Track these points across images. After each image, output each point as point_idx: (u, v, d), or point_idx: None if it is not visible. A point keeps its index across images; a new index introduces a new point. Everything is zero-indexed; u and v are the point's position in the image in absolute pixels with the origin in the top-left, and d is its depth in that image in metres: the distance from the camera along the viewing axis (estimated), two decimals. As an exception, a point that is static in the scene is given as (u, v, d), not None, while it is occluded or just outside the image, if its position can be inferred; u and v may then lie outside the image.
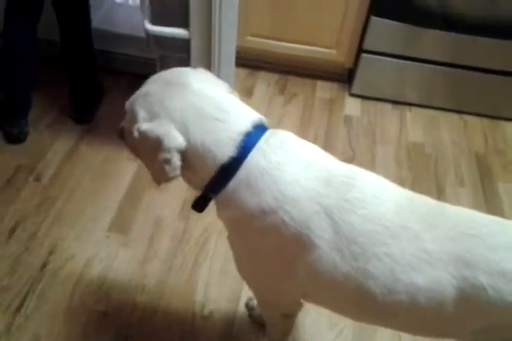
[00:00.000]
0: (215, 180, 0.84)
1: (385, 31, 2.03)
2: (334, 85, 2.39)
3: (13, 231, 1.63)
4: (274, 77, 2.38)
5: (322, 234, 0.81)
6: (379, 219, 0.80)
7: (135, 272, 1.56)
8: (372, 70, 2.21)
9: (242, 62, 2.38)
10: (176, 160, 0.81)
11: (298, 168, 0.83)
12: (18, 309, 1.43)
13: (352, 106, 2.30)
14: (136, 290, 1.51)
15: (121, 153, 1.91)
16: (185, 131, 0.82)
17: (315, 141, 2.05)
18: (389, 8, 1.97)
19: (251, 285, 1.04)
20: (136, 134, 0.83)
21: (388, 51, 2.11)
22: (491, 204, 1.89)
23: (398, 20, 1.99)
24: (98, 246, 1.61)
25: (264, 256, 0.90)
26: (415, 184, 1.94)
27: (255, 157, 0.82)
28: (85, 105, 2.03)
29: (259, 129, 0.86)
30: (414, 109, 2.31)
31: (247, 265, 0.97)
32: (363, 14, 2.03)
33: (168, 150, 0.80)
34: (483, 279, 0.74)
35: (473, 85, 2.18)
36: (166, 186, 1.82)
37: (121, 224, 1.68)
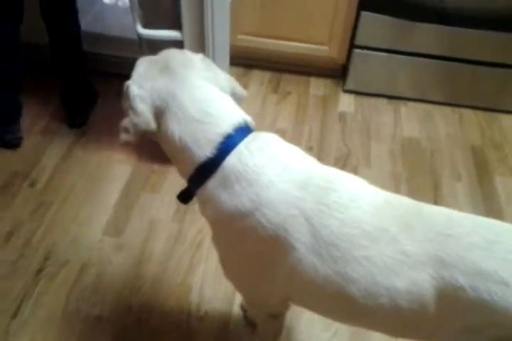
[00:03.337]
0: (195, 176, 0.86)
1: (376, 26, 2.01)
2: (328, 82, 2.37)
3: (8, 237, 1.64)
4: (267, 76, 2.37)
5: (300, 237, 0.80)
6: (356, 223, 0.80)
7: (130, 274, 1.56)
8: (365, 66, 2.20)
9: (235, 61, 2.36)
10: (143, 110, 0.84)
11: (275, 170, 0.83)
12: (14, 315, 1.44)
13: (346, 103, 2.29)
14: (131, 293, 1.51)
15: (116, 156, 1.92)
16: (158, 118, 0.85)
17: (309, 139, 2.10)
18: (378, 2, 1.95)
19: (235, 285, 1.04)
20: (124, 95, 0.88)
21: (380, 46, 2.10)
22: (488, 198, 1.88)
23: (388, 15, 1.97)
24: (92, 250, 1.62)
25: (243, 257, 0.90)
26: (411, 179, 1.93)
27: (232, 160, 0.83)
28: (77, 109, 2.03)
29: (242, 132, 0.86)
30: (409, 104, 2.30)
31: (229, 265, 0.97)
32: (353, 9, 2.02)
33: (133, 98, 0.85)
34: (462, 279, 0.74)
35: (467, 78, 2.16)
36: (159, 188, 1.86)
37: (115, 227, 1.69)
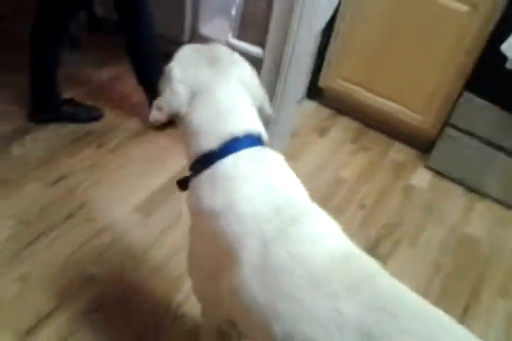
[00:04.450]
0: (195, 164, 0.90)
1: (477, 110, 1.93)
2: (411, 151, 2.31)
3: (57, 181, 1.80)
4: (353, 125, 2.38)
5: (249, 256, 0.80)
6: (305, 263, 0.77)
7: (137, 253, 1.63)
8: (454, 147, 2.11)
9: (328, 102, 2.43)
10: (181, 92, 0.89)
11: (259, 187, 0.83)
12: (28, 245, 1.58)
13: (421, 177, 2.21)
14: (130, 269, 1.58)
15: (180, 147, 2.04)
16: (191, 100, 0.90)
17: (365, 197, 2.05)
18: (486, 87, 1.88)
19: (191, 283, 1.04)
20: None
21: (476, 132, 2.01)
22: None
23: (493, 103, 1.88)
24: (118, 220, 1.72)
25: (201, 252, 0.92)
26: (450, 277, 1.78)
27: (229, 161, 0.85)
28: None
29: (250, 140, 0.88)
30: (487, 202, 2.14)
31: (190, 257, 0.99)
32: (458, 87, 1.96)
33: (174, 80, 0.90)
34: None
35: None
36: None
37: (147, 208, 1.78)
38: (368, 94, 2.21)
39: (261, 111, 0.97)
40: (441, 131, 2.11)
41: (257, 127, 0.91)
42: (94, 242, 1.63)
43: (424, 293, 1.71)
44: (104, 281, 1.53)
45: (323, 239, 0.81)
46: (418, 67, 2.03)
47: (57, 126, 2.02)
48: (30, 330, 1.39)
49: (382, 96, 2.18)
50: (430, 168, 2.23)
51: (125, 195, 1.81)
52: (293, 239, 0.79)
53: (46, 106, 1.99)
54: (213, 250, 0.87)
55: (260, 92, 0.98)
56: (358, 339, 0.70)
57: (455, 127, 2.04)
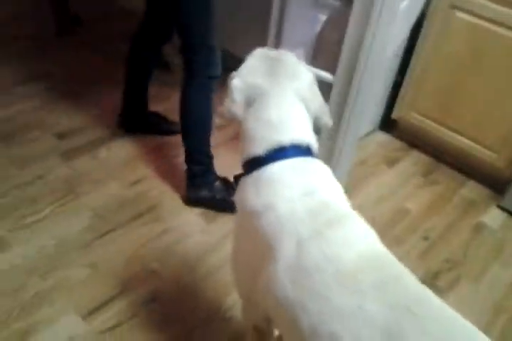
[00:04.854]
0: (244, 166, 0.97)
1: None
2: (485, 190, 2.23)
3: (135, 183, 1.98)
4: (424, 159, 2.35)
5: (285, 254, 0.84)
6: (336, 262, 0.80)
7: (197, 255, 1.72)
8: (531, 189, 2.02)
9: (400, 134, 2.43)
10: (238, 100, 0.97)
11: (299, 192, 0.88)
12: (100, 236, 1.74)
13: (493, 217, 2.11)
14: (188, 269, 1.67)
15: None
16: (247, 107, 0.97)
17: (430, 230, 2.01)
18: None
19: (233, 275, 1.08)
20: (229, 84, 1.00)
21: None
22: None
23: None
24: (186, 221, 1.85)
25: (243, 248, 0.98)
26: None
27: (275, 168, 0.90)
28: None
29: (297, 150, 0.92)
30: None
31: (233, 251, 1.04)
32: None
33: (233, 89, 0.97)
34: None
35: None
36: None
37: (211, 214, 1.88)
38: (442, 129, 2.19)
39: (318, 120, 1.01)
40: (517, 171, 2.04)
41: (306, 138, 0.95)
42: (159, 241, 1.75)
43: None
44: (164, 277, 1.63)
45: (356, 242, 0.84)
46: (495, 105, 1.99)
47: (142, 135, 2.22)
48: (92, 312, 1.50)
49: (457, 132, 2.15)
50: (503, 209, 2.13)
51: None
52: (327, 240, 0.82)
53: (135, 117, 2.20)
54: (254, 247, 0.91)
55: (318, 101, 1.01)
56: (378, 336, 0.72)
57: (532, 167, 1.96)
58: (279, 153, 0.91)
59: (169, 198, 1.93)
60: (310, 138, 0.96)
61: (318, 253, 0.81)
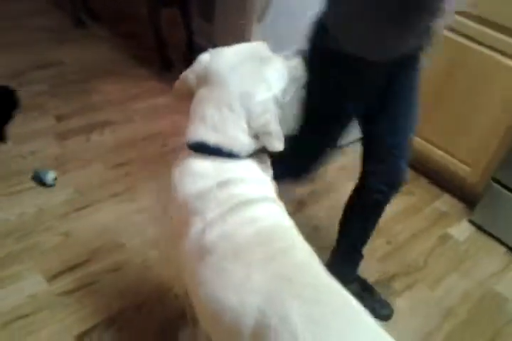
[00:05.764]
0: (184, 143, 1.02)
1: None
2: (459, 204, 2.27)
3: (117, 166, 2.10)
4: (402, 170, 2.41)
5: (194, 230, 0.91)
6: (232, 239, 0.88)
7: (167, 236, 1.80)
8: (501, 205, 2.05)
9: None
10: (190, 74, 1.02)
11: (213, 182, 0.94)
12: (77, 210, 1.87)
13: (461, 229, 2.16)
14: (155, 248, 1.77)
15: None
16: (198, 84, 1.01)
17: (395, 236, 2.09)
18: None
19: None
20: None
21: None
22: None
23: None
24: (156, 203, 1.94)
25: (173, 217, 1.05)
26: (463, 325, 1.71)
27: (196, 158, 0.97)
28: None
29: (221, 151, 0.95)
30: (530, 267, 2.03)
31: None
32: (507, 142, 1.94)
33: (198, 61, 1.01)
34: (273, 322, 0.76)
35: None
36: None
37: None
38: (420, 141, 2.24)
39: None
40: (488, 186, 2.08)
41: (231, 145, 0.95)
42: (131, 219, 1.86)
43: (428, 335, 1.67)
44: (130, 251, 1.74)
45: (259, 220, 0.91)
46: (470, 120, 2.05)
47: (137, 123, 2.35)
48: (56, 275, 1.61)
49: (433, 144, 2.21)
50: (473, 223, 2.18)
51: (167, 187, 2.03)
52: (227, 222, 0.89)
53: None
54: (179, 219, 0.98)
55: (262, 121, 0.95)
56: (261, 302, 0.80)
57: (501, 184, 2.00)
58: (200, 146, 0.96)
59: (145, 182, 2.04)
60: (236, 145, 0.96)
61: (216, 233, 0.89)
